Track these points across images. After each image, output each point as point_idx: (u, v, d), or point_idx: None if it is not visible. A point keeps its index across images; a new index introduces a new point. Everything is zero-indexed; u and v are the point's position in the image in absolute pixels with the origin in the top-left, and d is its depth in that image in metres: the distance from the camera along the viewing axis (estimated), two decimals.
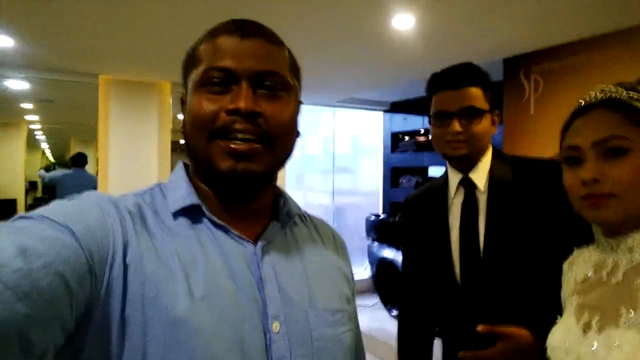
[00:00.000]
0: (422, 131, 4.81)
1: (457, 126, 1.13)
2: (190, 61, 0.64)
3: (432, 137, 1.22)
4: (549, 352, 0.83)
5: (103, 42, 2.88)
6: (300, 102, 0.69)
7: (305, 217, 0.76)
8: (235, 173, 0.59)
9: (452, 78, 1.16)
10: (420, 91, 1.28)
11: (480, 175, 1.18)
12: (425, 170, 4.80)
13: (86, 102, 4.16)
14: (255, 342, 0.56)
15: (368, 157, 5.81)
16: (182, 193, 0.63)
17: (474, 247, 1.16)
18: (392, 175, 5.18)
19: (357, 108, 5.33)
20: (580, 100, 0.82)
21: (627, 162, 0.73)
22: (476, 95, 1.14)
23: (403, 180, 4.99)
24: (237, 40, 0.61)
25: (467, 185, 1.19)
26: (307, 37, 2.65)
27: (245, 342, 0.55)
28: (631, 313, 0.69)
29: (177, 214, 0.61)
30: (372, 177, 5.69)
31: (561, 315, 0.86)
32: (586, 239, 0.87)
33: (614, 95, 0.77)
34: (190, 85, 0.63)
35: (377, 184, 5.57)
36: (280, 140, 0.62)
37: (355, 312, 0.73)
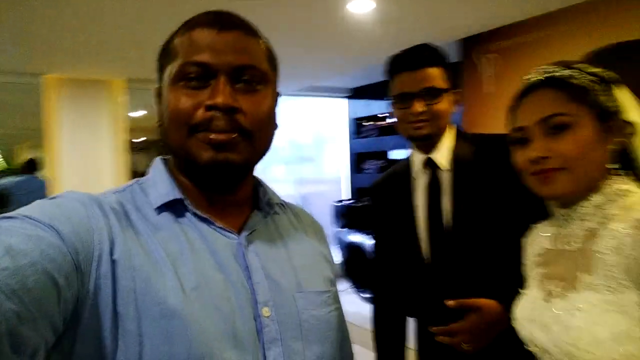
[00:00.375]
0: (384, 115, 4.84)
1: (418, 106, 1.14)
2: (166, 54, 0.64)
3: (394, 119, 1.23)
4: (516, 323, 0.87)
5: (47, 40, 2.73)
6: (278, 94, 0.70)
7: (284, 206, 0.77)
8: (216, 163, 0.59)
9: (411, 59, 1.16)
10: (382, 75, 1.28)
11: (443, 155, 1.20)
12: (388, 154, 4.85)
13: (33, 104, 3.94)
14: (246, 328, 0.58)
15: (330, 144, 5.81)
16: (165, 188, 0.63)
17: (440, 225, 1.18)
18: (357, 161, 5.21)
19: (318, 96, 5.30)
20: (523, 82, 0.84)
21: (571, 136, 0.76)
22: (436, 75, 1.15)
23: (367, 166, 5.02)
24: (214, 33, 0.61)
25: (431, 165, 1.21)
26: (261, 24, 2.60)
27: (237, 329, 0.57)
28: (588, 276, 0.73)
29: (160, 209, 0.61)
30: (334, 164, 5.70)
31: (524, 288, 0.89)
32: (546, 213, 0.90)
33: (553, 74, 0.80)
34: (166, 79, 0.62)
35: (339, 171, 5.59)
36: (258, 134, 0.62)
37: (337, 293, 0.75)
